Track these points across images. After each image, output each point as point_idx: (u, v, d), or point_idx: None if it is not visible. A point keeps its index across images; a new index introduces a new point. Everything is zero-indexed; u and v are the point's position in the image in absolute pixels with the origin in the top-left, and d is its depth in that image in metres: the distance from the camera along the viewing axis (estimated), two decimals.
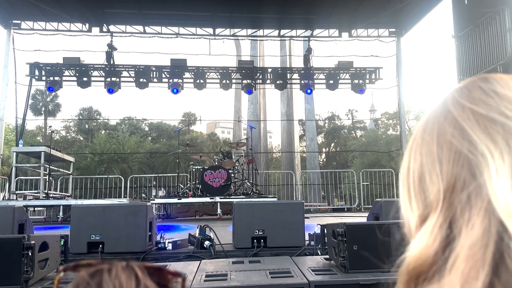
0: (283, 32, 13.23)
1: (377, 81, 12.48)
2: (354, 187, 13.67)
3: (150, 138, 37.13)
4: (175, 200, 9.86)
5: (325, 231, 3.34)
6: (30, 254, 2.54)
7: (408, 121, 29.89)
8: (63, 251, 3.21)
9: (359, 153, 29.53)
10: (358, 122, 40.88)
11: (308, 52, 12.72)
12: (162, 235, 4.42)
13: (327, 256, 3.19)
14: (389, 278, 2.34)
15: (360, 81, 12.31)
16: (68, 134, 39.07)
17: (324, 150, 38.93)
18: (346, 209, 13.47)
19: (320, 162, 33.81)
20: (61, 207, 9.12)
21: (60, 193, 11.69)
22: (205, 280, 2.56)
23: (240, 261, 3.26)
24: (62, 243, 3.21)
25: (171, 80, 11.90)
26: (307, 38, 13.20)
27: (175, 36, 12.72)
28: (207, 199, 9.59)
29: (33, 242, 2.57)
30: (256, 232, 4.08)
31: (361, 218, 7.61)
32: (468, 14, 8.92)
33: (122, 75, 12.00)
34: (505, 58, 7.75)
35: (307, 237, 4.17)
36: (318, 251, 3.76)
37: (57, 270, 0.49)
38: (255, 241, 4.06)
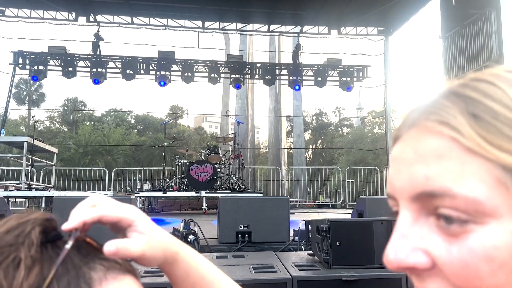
0: (272, 27, 13.20)
1: (364, 79, 12.57)
2: (339, 184, 13.78)
3: (136, 130, 36.82)
4: (160, 194, 9.79)
5: (309, 227, 3.35)
6: None
7: (394, 120, 30.21)
8: None
9: (345, 151, 29.77)
10: (345, 120, 41.22)
11: (297, 48, 12.73)
12: None
13: (311, 252, 3.21)
14: (371, 274, 2.37)
15: (348, 79, 12.38)
16: (52, 125, 38.48)
17: (311, 146, 39.14)
18: (331, 206, 13.58)
19: (307, 159, 33.98)
20: (44, 198, 8.97)
21: (43, 184, 11.51)
22: None
23: (224, 255, 3.25)
24: None
25: (158, 73, 11.78)
26: (296, 34, 13.21)
27: (164, 28, 12.58)
28: (193, 194, 9.55)
29: None
30: (240, 227, 4.08)
31: (345, 214, 7.69)
32: (456, 15, 9.03)
33: (108, 66, 11.83)
34: (491, 60, 7.87)
35: (291, 233, 4.19)
36: (302, 247, 3.78)
37: None
38: (239, 236, 4.05)
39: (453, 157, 0.38)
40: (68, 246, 0.46)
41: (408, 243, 0.40)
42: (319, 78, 12.37)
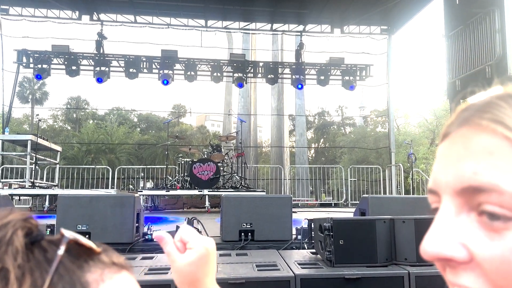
0: (275, 26, 13.20)
1: (367, 78, 12.55)
2: (342, 183, 13.78)
3: (139, 129, 36.89)
4: (163, 192, 9.83)
5: (312, 226, 3.36)
6: None
7: (397, 119, 30.19)
8: None
9: (348, 149, 29.75)
10: (348, 119, 41.16)
11: (300, 47, 12.72)
12: (150, 226, 4.41)
13: (314, 250, 3.22)
14: (373, 272, 2.38)
15: (351, 78, 12.36)
16: (55, 123, 38.60)
17: (313, 145, 39.11)
18: (333, 204, 13.58)
19: (309, 158, 33.97)
20: (47, 196, 9.02)
21: (47, 182, 11.56)
22: None
23: (227, 253, 3.27)
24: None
25: (161, 71, 11.80)
26: (299, 33, 13.20)
27: (167, 26, 12.61)
28: (196, 192, 9.58)
29: None
30: (243, 225, 4.10)
31: (347, 213, 7.69)
32: (459, 14, 9.00)
33: (111, 64, 11.86)
34: (494, 59, 7.85)
35: (294, 231, 4.20)
36: (305, 245, 3.80)
37: None
38: (242, 234, 4.07)
39: (504, 155, 0.38)
40: (60, 252, 0.44)
41: (448, 235, 0.40)
42: (322, 77, 12.37)
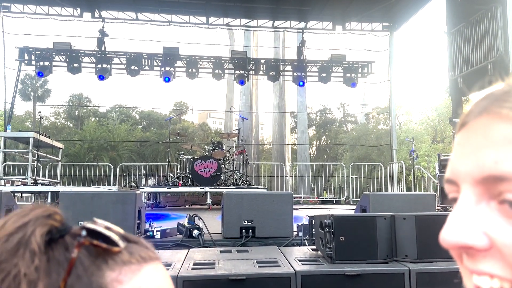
0: (277, 23, 13.18)
1: (369, 75, 12.53)
2: (343, 180, 13.78)
3: (140, 126, 36.92)
4: (164, 189, 9.85)
5: (313, 222, 3.37)
6: None
7: (399, 116, 30.13)
8: None
9: (349, 147, 29.71)
10: (349, 116, 41.10)
11: (301, 44, 12.71)
12: (151, 223, 4.42)
13: (314, 247, 3.23)
14: (374, 269, 2.38)
15: (353, 75, 12.34)
16: (57, 121, 38.64)
17: (315, 142, 39.10)
18: (335, 202, 13.58)
19: (311, 155, 33.97)
20: (49, 193, 9.06)
21: (49, 179, 11.60)
22: (192, 268, 2.57)
23: (228, 250, 3.28)
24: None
25: (163, 68, 11.81)
26: (300, 30, 13.18)
27: (168, 23, 12.60)
28: (197, 189, 9.59)
29: None
30: (244, 222, 4.11)
31: (349, 210, 7.70)
32: (461, 11, 8.97)
33: (113, 62, 11.87)
34: (496, 56, 7.83)
35: (295, 228, 4.21)
36: (306, 242, 3.80)
37: None
38: (243, 231, 4.08)
39: None
40: (74, 255, 0.42)
41: (469, 224, 0.40)
42: (324, 74, 12.35)
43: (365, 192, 4.66)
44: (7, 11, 11.89)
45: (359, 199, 7.76)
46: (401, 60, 76.96)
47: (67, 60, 11.58)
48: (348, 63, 12.37)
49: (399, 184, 12.61)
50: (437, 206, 7.53)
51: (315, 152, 37.72)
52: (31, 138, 9.57)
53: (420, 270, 2.56)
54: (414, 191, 11.27)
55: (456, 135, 0.46)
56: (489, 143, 0.40)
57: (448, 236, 0.41)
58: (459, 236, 0.41)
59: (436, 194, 8.23)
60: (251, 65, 12.43)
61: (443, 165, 8.20)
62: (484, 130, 0.41)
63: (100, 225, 0.46)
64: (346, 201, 13.02)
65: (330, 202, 13.60)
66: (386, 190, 12.93)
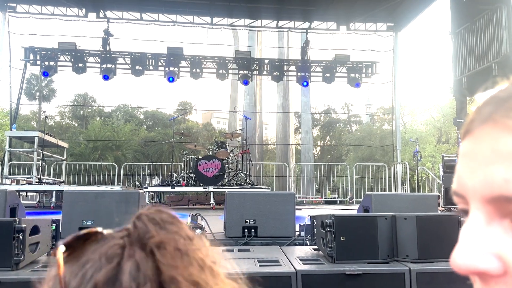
0: (281, 23, 13.18)
1: (373, 75, 12.50)
2: (347, 181, 13.76)
3: (145, 126, 37.01)
4: (168, 189, 9.89)
5: (314, 222, 3.38)
6: (21, 237, 2.56)
7: (403, 116, 30.04)
8: (54, 236, 3.23)
9: (354, 147, 29.65)
10: (354, 116, 41.01)
11: (305, 44, 12.70)
12: None
13: (316, 247, 3.24)
14: (374, 269, 2.39)
15: (357, 75, 12.31)
16: (62, 120, 38.83)
17: (319, 143, 39.05)
18: (338, 202, 13.57)
19: (315, 155, 33.93)
20: (54, 192, 9.11)
21: (53, 178, 11.67)
22: None
23: (230, 249, 3.30)
24: (53, 228, 3.23)
25: (167, 69, 11.85)
26: (305, 30, 13.17)
27: (172, 24, 12.64)
28: (201, 189, 9.62)
29: (24, 225, 2.59)
30: (247, 221, 4.12)
31: (352, 210, 7.69)
32: (466, 11, 8.94)
33: (117, 62, 11.92)
34: (500, 56, 7.79)
35: (297, 228, 4.22)
36: (307, 242, 3.81)
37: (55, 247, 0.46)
38: (246, 230, 4.10)
39: None
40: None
41: (480, 246, 0.37)
42: (328, 74, 12.34)
43: (368, 192, 4.66)
44: (13, 11, 11.97)
45: None
46: (405, 60, 76.78)
47: (72, 60, 11.65)
48: (352, 63, 12.34)
49: (403, 185, 12.58)
50: (441, 207, 7.51)
51: (319, 153, 37.67)
52: (36, 138, 9.64)
53: (420, 270, 2.57)
54: (418, 192, 11.25)
55: (461, 143, 0.42)
56: (497, 158, 0.36)
57: (459, 259, 0.38)
58: (470, 260, 0.37)
59: (440, 195, 8.21)
60: (255, 65, 12.44)
61: (447, 166, 8.17)
62: (491, 142, 0.37)
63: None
64: (350, 201, 13.00)
65: (333, 203, 13.59)
66: (390, 190, 12.89)
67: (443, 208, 7.59)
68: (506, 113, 0.37)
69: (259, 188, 9.93)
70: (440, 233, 2.67)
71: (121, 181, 13.28)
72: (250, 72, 12.19)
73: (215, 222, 5.01)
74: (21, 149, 11.66)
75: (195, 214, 4.32)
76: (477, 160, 0.38)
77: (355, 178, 13.43)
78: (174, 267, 0.45)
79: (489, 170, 0.37)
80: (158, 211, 0.50)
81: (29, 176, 10.25)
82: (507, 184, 0.35)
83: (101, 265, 0.43)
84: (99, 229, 0.48)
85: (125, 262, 0.44)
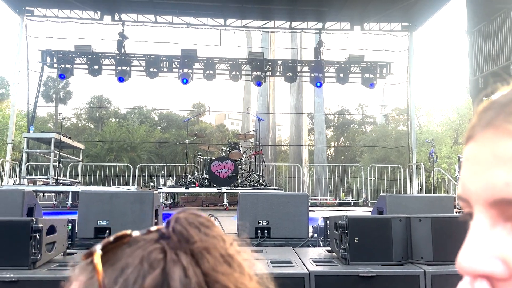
0: (294, 24, 13.16)
1: (388, 75, 12.37)
2: (361, 182, 13.64)
3: (159, 127, 37.33)
4: (182, 190, 9.95)
5: (328, 224, 3.36)
6: (37, 236, 2.61)
7: (419, 117, 29.66)
8: (70, 236, 3.28)
9: (368, 148, 29.40)
10: (368, 117, 40.65)
11: (319, 45, 12.64)
12: None
13: (329, 248, 3.22)
14: (388, 271, 2.37)
15: (371, 75, 12.20)
16: (78, 122, 39.44)
17: (332, 144, 38.82)
18: (352, 204, 13.46)
19: (329, 156, 33.75)
20: (70, 193, 9.26)
21: (70, 179, 11.85)
22: None
23: None
24: (69, 228, 3.29)
25: (181, 70, 11.93)
26: (318, 31, 13.12)
27: (186, 26, 12.73)
28: (214, 190, 9.66)
29: (41, 225, 2.64)
30: (260, 222, 4.12)
31: (366, 212, 7.62)
32: (482, 10, 8.80)
33: (132, 64, 12.05)
34: None
35: (310, 229, 4.20)
36: (321, 243, 3.79)
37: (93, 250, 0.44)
38: (259, 231, 4.10)
39: None
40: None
41: (484, 250, 0.38)
42: (341, 75, 12.26)
43: (381, 194, 4.62)
44: (31, 15, 12.21)
45: None
46: (420, 60, 75.80)
47: (88, 62, 11.82)
48: (366, 64, 12.23)
49: (418, 187, 12.41)
50: (457, 208, 7.39)
51: (333, 154, 37.46)
52: (53, 139, 9.81)
53: (435, 273, 2.53)
54: (434, 193, 11.08)
55: (465, 148, 0.43)
56: (498, 162, 0.37)
57: (464, 262, 0.39)
58: (475, 263, 0.38)
59: (456, 197, 8.08)
60: (268, 66, 12.44)
61: None
62: (492, 146, 0.38)
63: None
64: (365, 203, 12.89)
65: (348, 204, 13.49)
66: (405, 192, 12.74)
67: (459, 210, 7.46)
68: (506, 118, 0.38)
69: (272, 189, 9.92)
70: (455, 235, 2.63)
71: (136, 182, 13.42)
72: (263, 73, 12.19)
73: (228, 223, 5.02)
74: (38, 150, 11.87)
75: (209, 215, 4.34)
76: (479, 164, 0.39)
77: (370, 179, 13.32)
78: (220, 272, 0.45)
79: (491, 174, 0.37)
80: (195, 215, 0.49)
81: (46, 177, 10.43)
82: (508, 187, 0.36)
83: (145, 271, 0.42)
84: (129, 231, 0.47)
85: (170, 267, 0.43)
